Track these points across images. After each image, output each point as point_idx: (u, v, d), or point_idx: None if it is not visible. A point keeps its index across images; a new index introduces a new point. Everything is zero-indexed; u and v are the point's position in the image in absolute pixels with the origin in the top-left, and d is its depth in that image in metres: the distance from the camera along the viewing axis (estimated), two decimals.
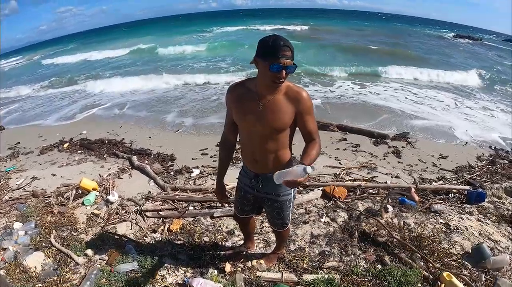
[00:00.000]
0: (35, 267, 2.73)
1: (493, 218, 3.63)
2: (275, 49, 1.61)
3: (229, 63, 17.33)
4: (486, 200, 4.09)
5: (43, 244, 3.04)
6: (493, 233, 3.30)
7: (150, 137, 7.52)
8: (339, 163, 5.78)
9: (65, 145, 6.76)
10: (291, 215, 2.36)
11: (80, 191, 4.10)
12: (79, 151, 6.42)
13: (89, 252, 2.98)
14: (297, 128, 1.95)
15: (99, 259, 2.92)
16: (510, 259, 2.85)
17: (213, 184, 4.66)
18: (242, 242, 3.14)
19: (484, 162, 6.24)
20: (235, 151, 2.77)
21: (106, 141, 7.01)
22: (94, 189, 4.12)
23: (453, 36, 43.66)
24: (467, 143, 7.52)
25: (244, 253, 2.98)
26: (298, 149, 2.07)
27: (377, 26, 46.16)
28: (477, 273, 2.74)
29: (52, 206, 3.68)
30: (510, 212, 3.77)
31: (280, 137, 1.92)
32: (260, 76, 1.75)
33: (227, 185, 4.50)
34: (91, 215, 3.68)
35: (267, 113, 1.82)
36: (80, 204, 3.84)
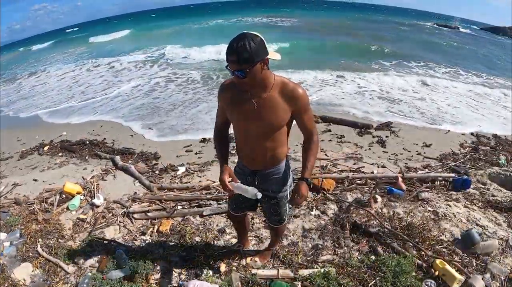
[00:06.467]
0: (24, 280, 2.61)
1: (480, 204, 3.70)
2: (227, 51, 1.57)
3: None
4: (472, 186, 4.17)
5: (30, 254, 2.92)
6: (480, 218, 3.37)
7: (132, 135, 7.38)
8: (325, 154, 5.80)
9: (45, 148, 6.58)
10: (288, 211, 2.35)
11: (64, 196, 3.94)
12: (60, 154, 6.26)
13: (78, 259, 2.88)
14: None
15: (90, 266, 2.83)
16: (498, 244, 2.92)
17: (200, 181, 4.60)
18: (234, 240, 3.10)
19: (467, 149, 6.39)
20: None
21: (87, 142, 6.86)
22: (78, 193, 3.98)
23: (432, 24, 48.15)
24: (449, 131, 7.69)
25: (239, 251, 2.94)
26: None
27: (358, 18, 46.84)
28: (468, 258, 2.80)
29: (36, 213, 3.54)
30: (495, 198, 3.86)
31: (277, 134, 1.89)
32: None
33: (213, 182, 4.46)
34: (77, 220, 3.55)
35: (262, 112, 1.77)
36: (65, 209, 3.70)
